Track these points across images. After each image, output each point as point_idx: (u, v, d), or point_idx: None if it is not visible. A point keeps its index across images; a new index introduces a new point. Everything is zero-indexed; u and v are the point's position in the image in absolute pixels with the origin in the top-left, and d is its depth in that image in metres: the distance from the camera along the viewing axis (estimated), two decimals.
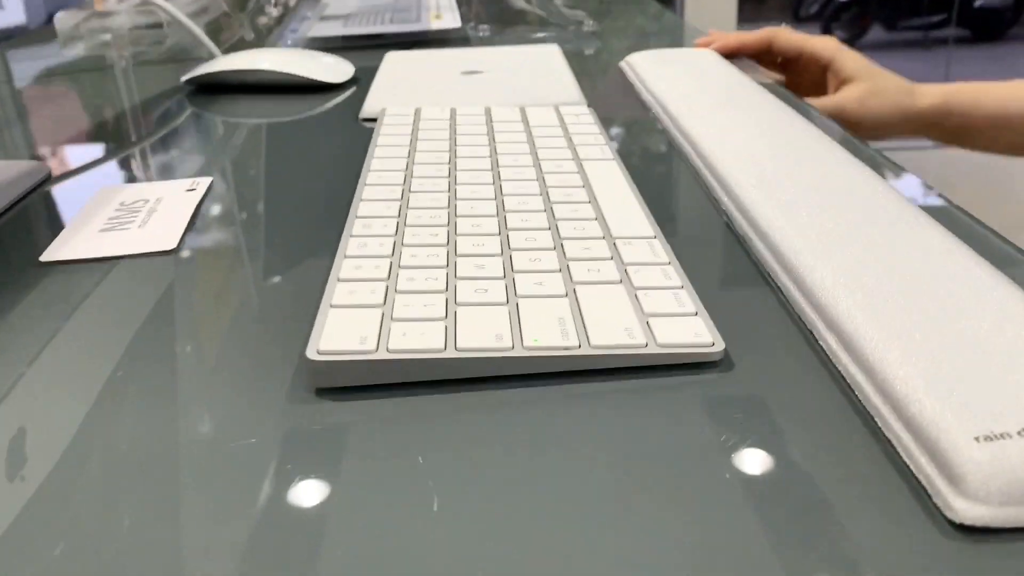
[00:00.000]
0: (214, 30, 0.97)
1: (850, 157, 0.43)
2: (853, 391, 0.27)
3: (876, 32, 5.71)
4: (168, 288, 0.37)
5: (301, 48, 0.74)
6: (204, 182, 0.48)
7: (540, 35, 0.87)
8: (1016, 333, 0.27)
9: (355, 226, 0.38)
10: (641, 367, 0.28)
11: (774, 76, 0.70)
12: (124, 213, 0.44)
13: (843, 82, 0.67)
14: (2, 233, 0.43)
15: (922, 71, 5.23)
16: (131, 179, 0.51)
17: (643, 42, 0.84)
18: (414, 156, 0.47)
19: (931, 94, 0.68)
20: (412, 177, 0.44)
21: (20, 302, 0.36)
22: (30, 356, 0.32)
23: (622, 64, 0.70)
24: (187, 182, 0.48)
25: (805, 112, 0.58)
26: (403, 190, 0.42)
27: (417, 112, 0.56)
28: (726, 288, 0.35)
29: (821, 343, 0.30)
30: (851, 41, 5.15)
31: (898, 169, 0.47)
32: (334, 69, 0.69)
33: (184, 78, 0.70)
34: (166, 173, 0.52)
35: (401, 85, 0.64)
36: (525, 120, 0.54)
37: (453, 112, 0.56)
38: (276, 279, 0.37)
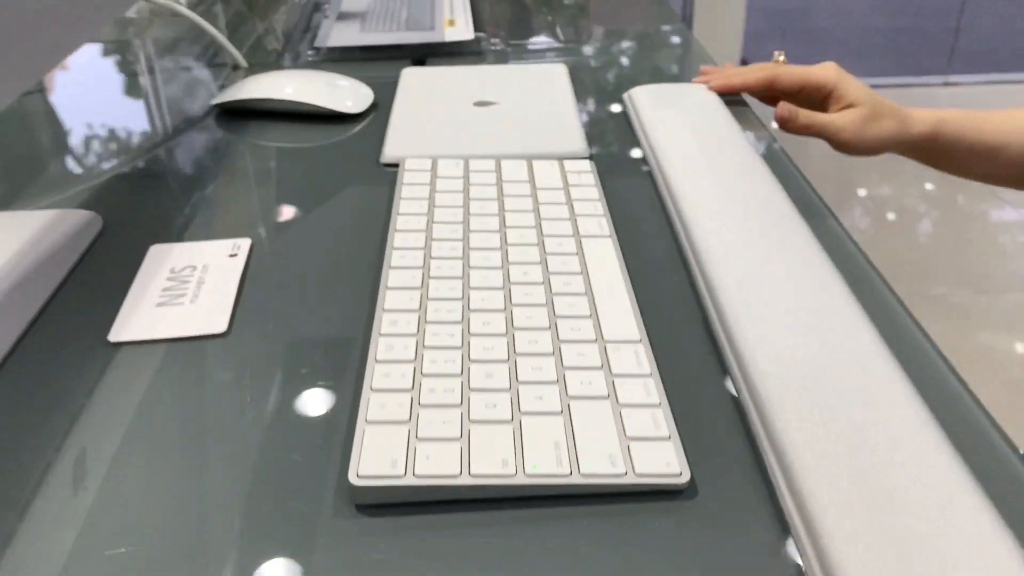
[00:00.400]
0: (237, 28, 1.00)
1: (823, 259, 0.49)
2: (795, 538, 0.34)
3: None
4: (220, 377, 0.43)
5: (320, 70, 0.78)
6: (244, 245, 0.54)
7: (550, 47, 0.91)
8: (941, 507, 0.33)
9: (383, 323, 0.44)
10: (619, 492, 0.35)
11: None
12: (175, 284, 0.50)
13: (843, 107, 0.71)
14: (70, 302, 0.49)
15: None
16: (177, 229, 0.57)
17: (650, 59, 0.88)
18: (431, 228, 0.53)
19: (923, 121, 0.73)
20: (431, 258, 0.50)
21: (99, 384, 0.43)
22: (113, 440, 0.38)
23: (624, 97, 0.74)
24: (229, 245, 0.54)
25: (794, 179, 0.63)
26: (423, 275, 0.48)
27: (434, 165, 0.61)
28: (700, 398, 0.41)
29: (774, 482, 0.36)
30: None
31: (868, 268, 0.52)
32: (354, 96, 0.74)
33: (213, 102, 0.74)
34: (207, 219, 0.57)
35: (417, 122, 0.69)
36: (532, 180, 0.59)
37: (466, 165, 0.61)
38: (313, 365, 0.44)
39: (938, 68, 3.92)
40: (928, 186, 2.83)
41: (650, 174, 0.63)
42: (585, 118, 0.72)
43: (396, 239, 0.52)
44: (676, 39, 0.93)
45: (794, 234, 0.51)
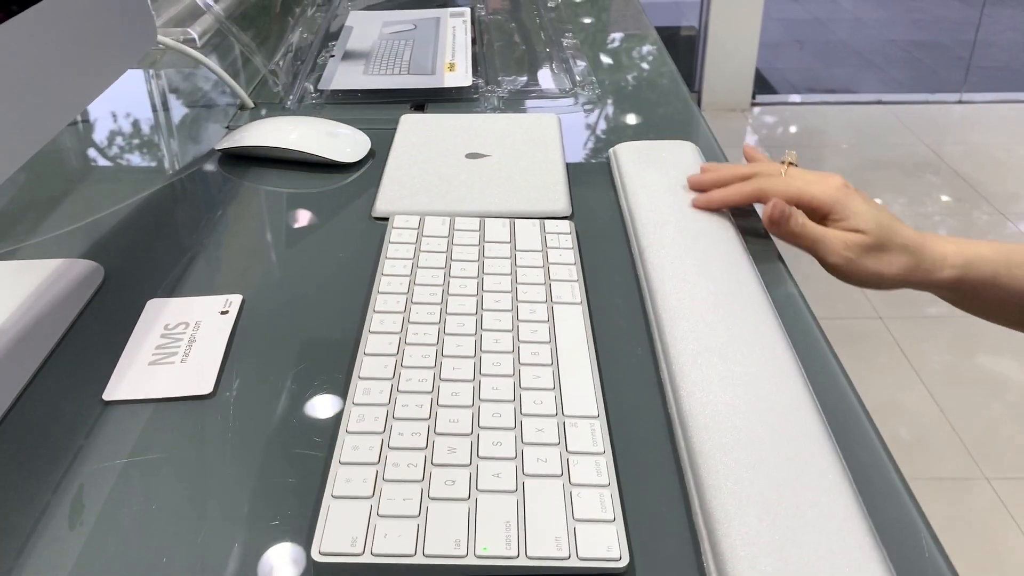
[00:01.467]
0: (245, 64, 1.03)
1: (777, 331, 0.52)
2: None
3: None
4: (203, 438, 0.46)
5: (321, 117, 0.81)
6: (235, 302, 0.57)
7: (547, 92, 0.93)
8: None
9: (357, 391, 0.47)
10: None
11: None
12: (168, 341, 0.53)
13: (848, 228, 0.62)
14: (71, 354, 0.53)
15: (957, 9, 5.14)
16: (175, 280, 0.60)
17: (644, 111, 0.91)
18: (412, 290, 0.56)
19: (949, 265, 0.63)
20: (409, 322, 0.53)
21: (92, 441, 0.46)
22: (100, 496, 0.41)
23: (609, 153, 0.77)
24: (221, 301, 0.57)
25: (763, 241, 0.65)
26: (399, 340, 0.51)
27: (421, 222, 0.64)
28: (649, 474, 0.44)
29: (706, 567, 0.39)
30: None
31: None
32: (352, 145, 0.77)
33: (217, 147, 0.77)
34: (204, 269, 0.60)
35: (409, 175, 0.72)
36: (513, 241, 0.62)
37: (452, 224, 0.64)
38: (290, 431, 0.47)
39: (954, 83, 3.92)
40: (944, 197, 2.84)
41: (626, 234, 0.65)
42: (572, 172, 0.75)
43: (378, 302, 0.55)
44: (673, 90, 0.96)
45: (752, 304, 0.54)
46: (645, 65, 1.03)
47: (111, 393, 0.49)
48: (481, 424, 0.45)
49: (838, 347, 0.54)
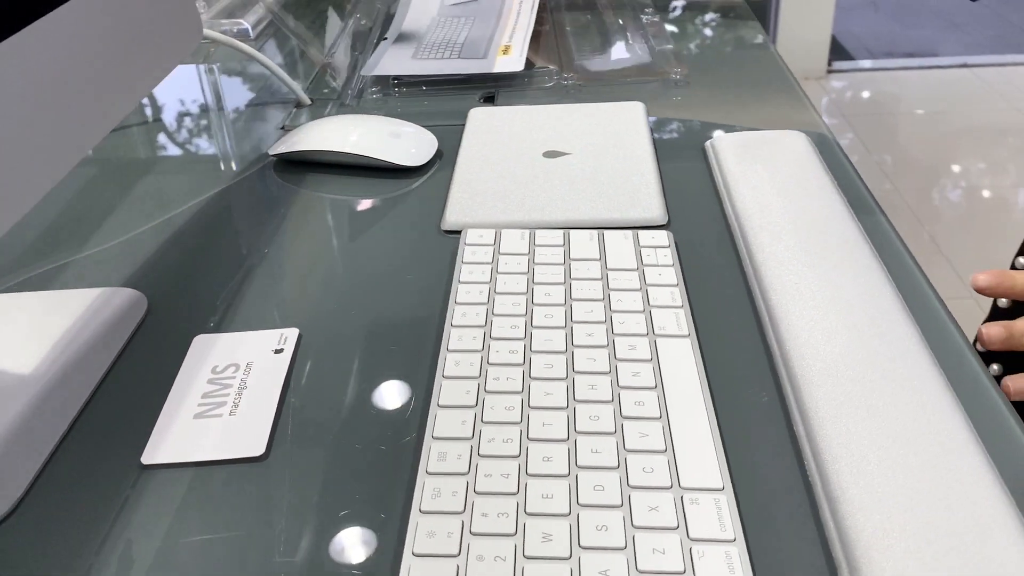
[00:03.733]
0: (302, 56, 0.97)
1: (962, 420, 0.43)
2: None
3: None
4: (254, 508, 0.39)
5: (383, 116, 0.74)
6: (292, 337, 0.50)
7: (627, 78, 0.84)
8: None
9: (431, 459, 0.40)
10: None
11: None
12: (216, 388, 0.47)
13: None
14: (107, 406, 0.46)
15: None
16: (224, 310, 0.53)
17: (738, 94, 0.81)
18: (490, 324, 0.48)
19: None
20: (488, 364, 0.45)
21: (126, 514, 0.39)
22: None
23: (706, 146, 0.68)
24: (275, 337, 0.50)
25: (896, 252, 0.56)
26: (478, 388, 0.44)
27: (497, 237, 0.56)
28: (789, 563, 0.35)
29: None
30: None
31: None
32: (418, 146, 0.70)
33: (271, 152, 0.71)
34: (256, 297, 0.54)
35: (481, 180, 0.64)
36: (603, 259, 0.54)
37: (532, 239, 0.56)
38: (356, 498, 0.40)
39: None
40: None
41: (734, 245, 0.56)
42: (664, 170, 0.66)
43: (451, 338, 0.47)
44: (772, 68, 0.86)
45: (898, 335, 0.45)
46: (736, 40, 0.93)
47: (151, 455, 0.43)
48: (580, 500, 0.37)
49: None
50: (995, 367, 0.66)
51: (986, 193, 2.55)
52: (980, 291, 0.55)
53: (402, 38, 0.93)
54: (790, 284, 0.49)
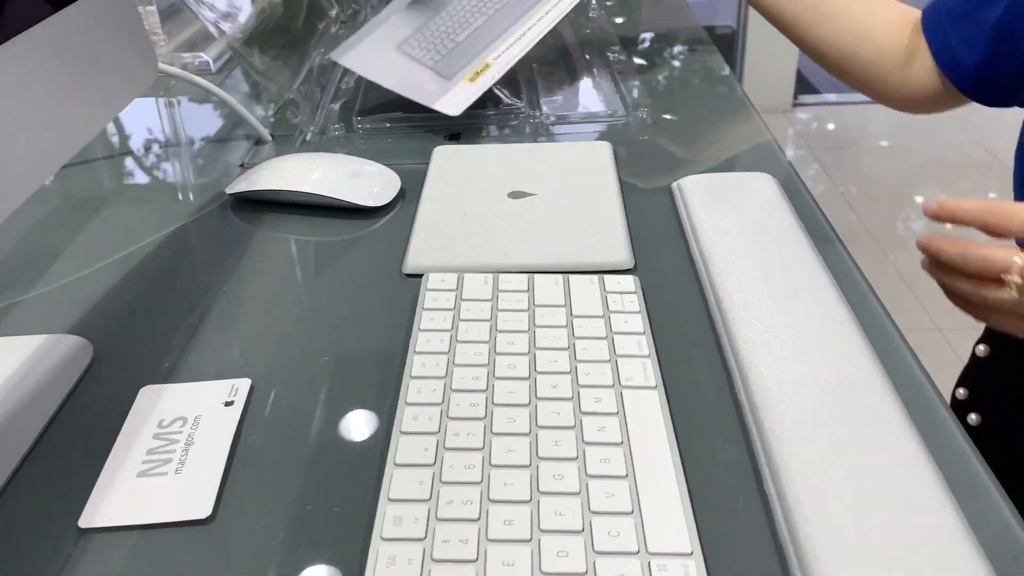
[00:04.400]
0: (262, 94, 0.95)
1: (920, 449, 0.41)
2: None
3: None
4: (201, 573, 0.37)
5: (345, 154, 0.72)
6: (243, 388, 0.48)
7: (594, 117, 0.84)
8: None
9: (385, 523, 0.38)
10: None
11: None
12: (162, 444, 0.44)
13: None
14: (45, 463, 0.44)
15: None
16: (174, 359, 0.51)
17: (703, 131, 0.81)
18: (451, 375, 0.46)
19: None
20: (448, 418, 0.43)
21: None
22: None
23: (673, 188, 0.67)
24: (226, 388, 0.48)
25: (863, 297, 0.55)
26: (436, 444, 0.42)
27: (460, 281, 0.55)
28: None
29: None
30: None
31: None
32: (381, 185, 0.68)
33: (228, 191, 0.69)
34: (208, 345, 0.52)
35: (445, 221, 0.62)
36: (569, 303, 0.52)
37: (496, 284, 0.54)
38: (307, 561, 0.37)
39: None
40: (992, 195, 2.70)
41: (701, 290, 0.55)
42: (631, 210, 0.65)
43: (410, 391, 0.45)
44: (739, 107, 0.86)
45: (871, 388, 0.44)
46: (702, 76, 0.93)
47: (90, 519, 0.40)
48: (543, 567, 0.35)
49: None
50: (973, 417, 0.66)
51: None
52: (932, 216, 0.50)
53: (420, 4, 0.87)
54: (758, 333, 0.48)
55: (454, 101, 0.77)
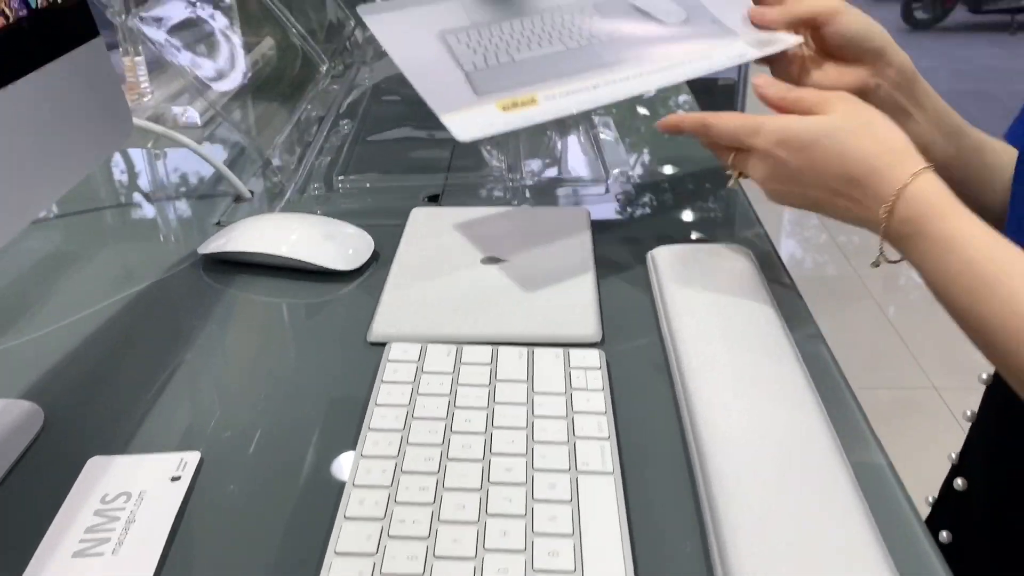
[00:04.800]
0: (243, 152, 0.95)
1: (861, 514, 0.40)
2: None
3: (959, 13, 5.48)
4: None
5: (321, 216, 0.72)
6: (192, 462, 0.47)
7: (572, 181, 0.83)
8: None
9: None
10: None
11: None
12: (103, 521, 0.43)
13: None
14: None
15: (1006, 59, 4.99)
16: (127, 428, 0.50)
17: (686, 197, 0.80)
18: (404, 452, 0.45)
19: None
20: (395, 502, 0.42)
21: None
22: None
23: (647, 257, 0.66)
24: (174, 462, 0.47)
25: (830, 376, 0.54)
26: (380, 531, 0.40)
27: (423, 353, 0.54)
28: None
29: None
30: (932, 22, 4.87)
31: None
32: (354, 248, 0.68)
33: (200, 251, 0.68)
34: (162, 412, 0.51)
35: (415, 288, 0.62)
36: (531, 379, 0.51)
37: (459, 356, 0.53)
38: None
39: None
40: None
41: (668, 368, 0.54)
42: (604, 278, 0.64)
43: (359, 472, 0.44)
44: (723, 177, 0.85)
45: (832, 481, 0.42)
46: (686, 141, 0.93)
47: None
48: None
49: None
50: (944, 534, 0.64)
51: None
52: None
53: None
54: (721, 419, 0.47)
55: (469, 123, 0.60)
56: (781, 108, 0.56)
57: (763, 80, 0.58)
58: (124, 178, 0.89)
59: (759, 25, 0.65)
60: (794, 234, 2.97)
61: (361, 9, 0.66)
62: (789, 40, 0.64)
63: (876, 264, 0.53)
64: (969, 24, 5.54)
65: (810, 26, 0.63)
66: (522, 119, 0.60)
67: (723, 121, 0.58)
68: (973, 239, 0.47)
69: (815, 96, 0.55)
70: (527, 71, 0.64)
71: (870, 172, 0.51)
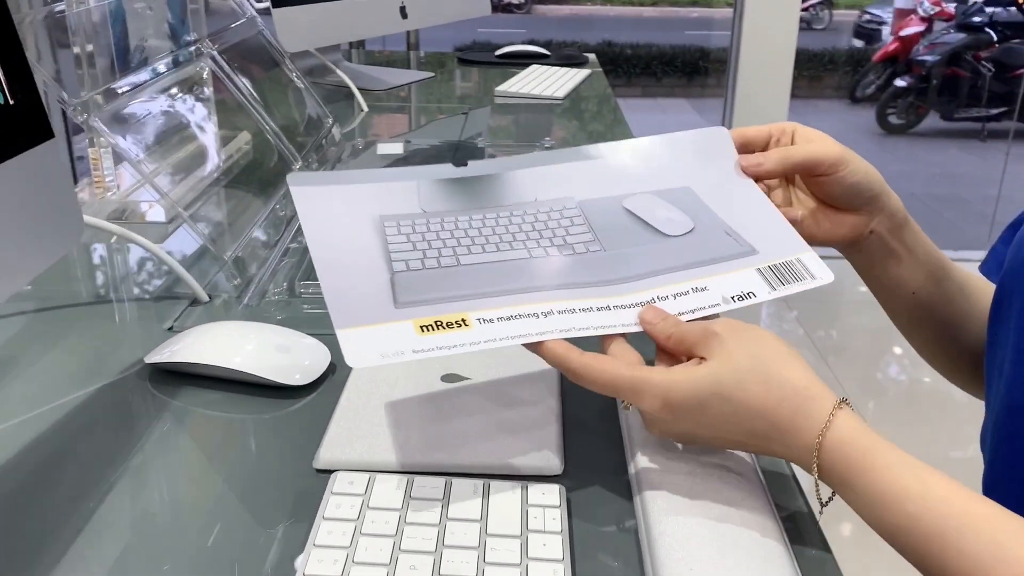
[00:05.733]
0: (203, 255, 0.93)
1: None
2: None
3: (932, 120, 5.63)
4: None
5: (277, 326, 0.69)
6: None
7: None
8: None
9: None
10: None
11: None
12: None
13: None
14: None
15: (978, 164, 5.11)
16: (41, 570, 0.46)
17: None
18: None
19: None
20: None
21: None
22: None
23: None
24: None
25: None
26: None
27: (370, 484, 0.50)
28: None
29: None
30: (906, 128, 4.99)
31: None
32: (311, 360, 0.65)
33: (148, 360, 0.65)
34: (81, 555, 0.47)
35: (367, 409, 0.59)
36: (484, 519, 0.48)
37: (408, 489, 0.50)
38: None
39: (979, 239, 3.82)
40: None
41: (632, 507, 0.51)
42: (573, 397, 0.61)
43: None
44: None
45: None
46: None
47: None
48: None
49: None
50: None
51: (926, 379, 2.55)
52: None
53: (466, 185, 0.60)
54: (684, 569, 0.44)
55: (370, 344, 0.48)
56: (665, 348, 0.51)
57: (651, 315, 0.52)
58: (80, 276, 0.86)
59: (753, 176, 0.61)
60: (770, 328, 2.97)
61: (290, 178, 0.57)
62: (822, 277, 0.56)
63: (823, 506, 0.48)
64: (941, 130, 5.69)
65: (810, 174, 0.60)
66: (441, 346, 0.49)
67: (594, 374, 0.48)
68: (908, 491, 0.43)
69: (697, 334, 0.49)
70: (468, 280, 0.53)
71: (771, 428, 0.46)
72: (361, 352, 0.48)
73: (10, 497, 0.52)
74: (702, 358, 0.48)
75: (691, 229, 0.58)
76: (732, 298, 0.54)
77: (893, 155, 5.33)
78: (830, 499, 0.47)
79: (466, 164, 0.61)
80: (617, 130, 1.47)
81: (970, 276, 0.66)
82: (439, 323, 0.50)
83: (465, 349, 0.49)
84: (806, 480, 0.50)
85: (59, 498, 0.52)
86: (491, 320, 0.51)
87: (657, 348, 0.52)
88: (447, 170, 0.61)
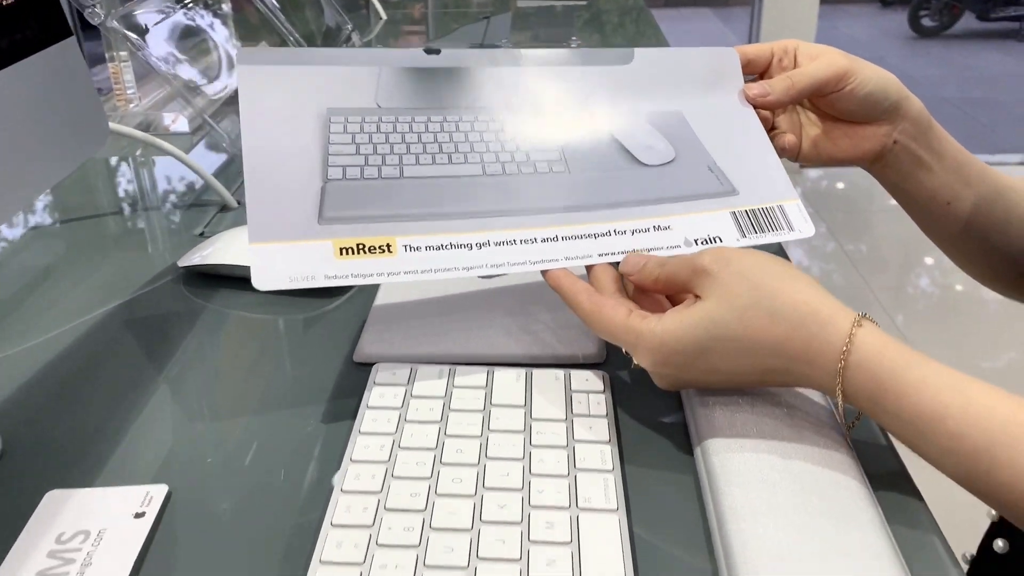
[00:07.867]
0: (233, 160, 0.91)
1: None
2: None
3: (967, 20, 5.44)
4: None
5: None
6: (158, 496, 0.43)
7: None
8: None
9: None
10: None
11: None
12: (56, 565, 0.39)
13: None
14: None
15: (1016, 65, 4.94)
16: (93, 458, 0.46)
17: None
18: (389, 486, 0.41)
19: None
20: (377, 545, 0.38)
21: None
22: None
23: None
24: (139, 496, 0.43)
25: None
26: (361, 573, 0.36)
27: (412, 375, 0.50)
28: None
29: None
30: (940, 30, 4.82)
31: None
32: None
33: (180, 264, 0.64)
34: (131, 440, 0.47)
35: (405, 303, 0.58)
36: (528, 404, 0.47)
37: (451, 379, 0.49)
38: None
39: (1016, 142, 3.72)
40: None
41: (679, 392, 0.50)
42: None
43: (338, 509, 0.40)
44: None
45: (863, 519, 0.38)
46: None
47: None
48: None
49: None
50: (1000, 542, 0.59)
51: (959, 287, 2.52)
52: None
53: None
54: (736, 453, 0.43)
55: (280, 264, 0.46)
56: (655, 291, 0.47)
57: (631, 264, 0.47)
58: (108, 188, 0.85)
59: (760, 107, 0.57)
60: (802, 242, 2.93)
61: (238, 55, 0.52)
62: (800, 229, 0.52)
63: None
64: (977, 31, 5.51)
65: (819, 95, 0.56)
66: (357, 273, 0.45)
67: (600, 321, 0.46)
68: (947, 408, 0.39)
69: (686, 271, 0.45)
70: (406, 197, 0.48)
71: (788, 362, 0.42)
72: (269, 272, 0.45)
73: (46, 408, 0.52)
74: (697, 296, 0.44)
75: (671, 160, 0.54)
76: (695, 241, 0.50)
77: (926, 59, 5.17)
78: (856, 420, 0.44)
79: (439, 52, 0.55)
80: (648, 33, 1.42)
81: (1009, 179, 0.62)
82: (361, 246, 0.46)
83: (383, 279, 0.46)
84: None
85: (105, 400, 0.52)
86: (418, 248, 0.47)
87: (634, 290, 0.48)
88: (416, 56, 0.54)
